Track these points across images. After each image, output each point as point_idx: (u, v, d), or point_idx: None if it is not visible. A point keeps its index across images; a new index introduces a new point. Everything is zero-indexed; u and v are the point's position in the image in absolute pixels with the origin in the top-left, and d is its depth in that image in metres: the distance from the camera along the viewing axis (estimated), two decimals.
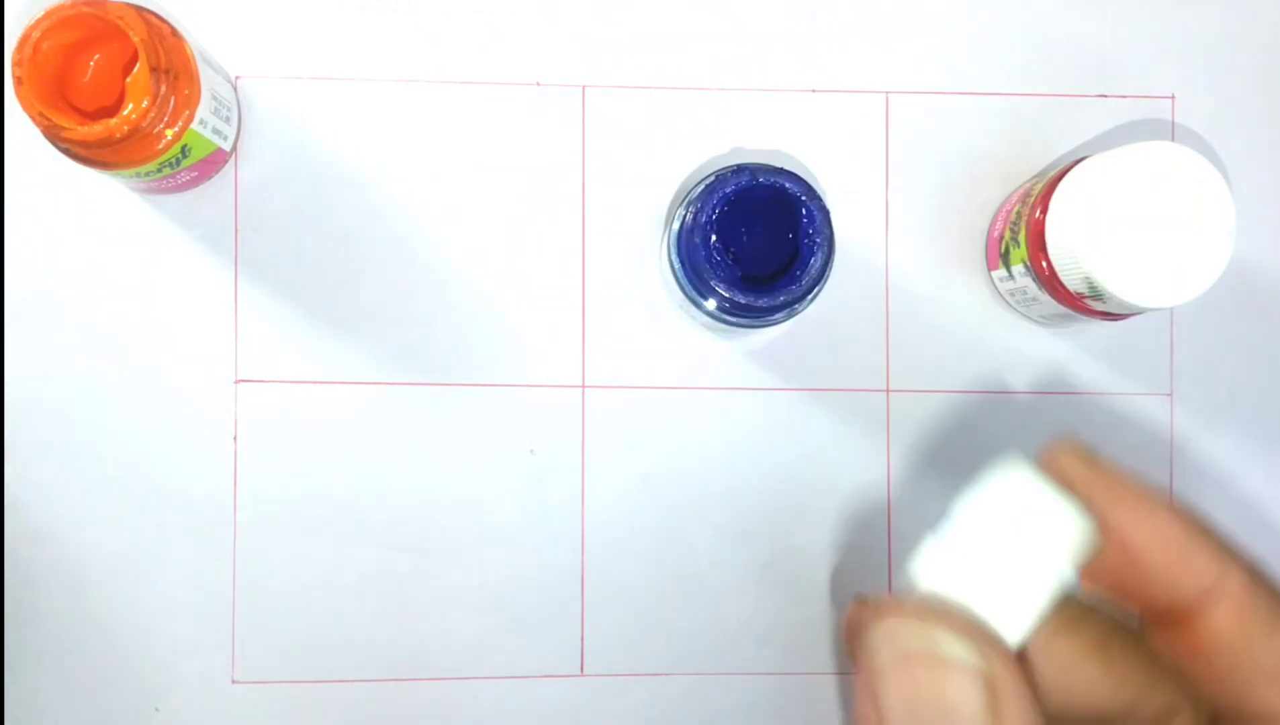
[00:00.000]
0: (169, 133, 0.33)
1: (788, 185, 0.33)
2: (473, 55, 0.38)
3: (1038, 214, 0.34)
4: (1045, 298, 0.35)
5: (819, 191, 0.34)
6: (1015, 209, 0.36)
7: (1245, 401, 0.39)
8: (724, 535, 0.38)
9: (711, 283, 0.33)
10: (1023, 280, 0.36)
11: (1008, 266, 0.36)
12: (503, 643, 0.38)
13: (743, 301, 0.33)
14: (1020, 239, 0.35)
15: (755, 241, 0.35)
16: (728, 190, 0.33)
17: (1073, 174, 0.34)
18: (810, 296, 0.34)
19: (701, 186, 0.34)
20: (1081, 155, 0.35)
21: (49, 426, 0.37)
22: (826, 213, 0.33)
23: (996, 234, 0.37)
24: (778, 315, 0.35)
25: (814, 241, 0.33)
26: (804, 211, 0.33)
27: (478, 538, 0.38)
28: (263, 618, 0.37)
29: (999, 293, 0.38)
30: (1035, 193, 0.35)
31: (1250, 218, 0.38)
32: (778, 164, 0.35)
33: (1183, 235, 0.33)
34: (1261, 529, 0.39)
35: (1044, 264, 0.34)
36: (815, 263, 0.33)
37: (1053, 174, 0.35)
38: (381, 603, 0.38)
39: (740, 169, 0.34)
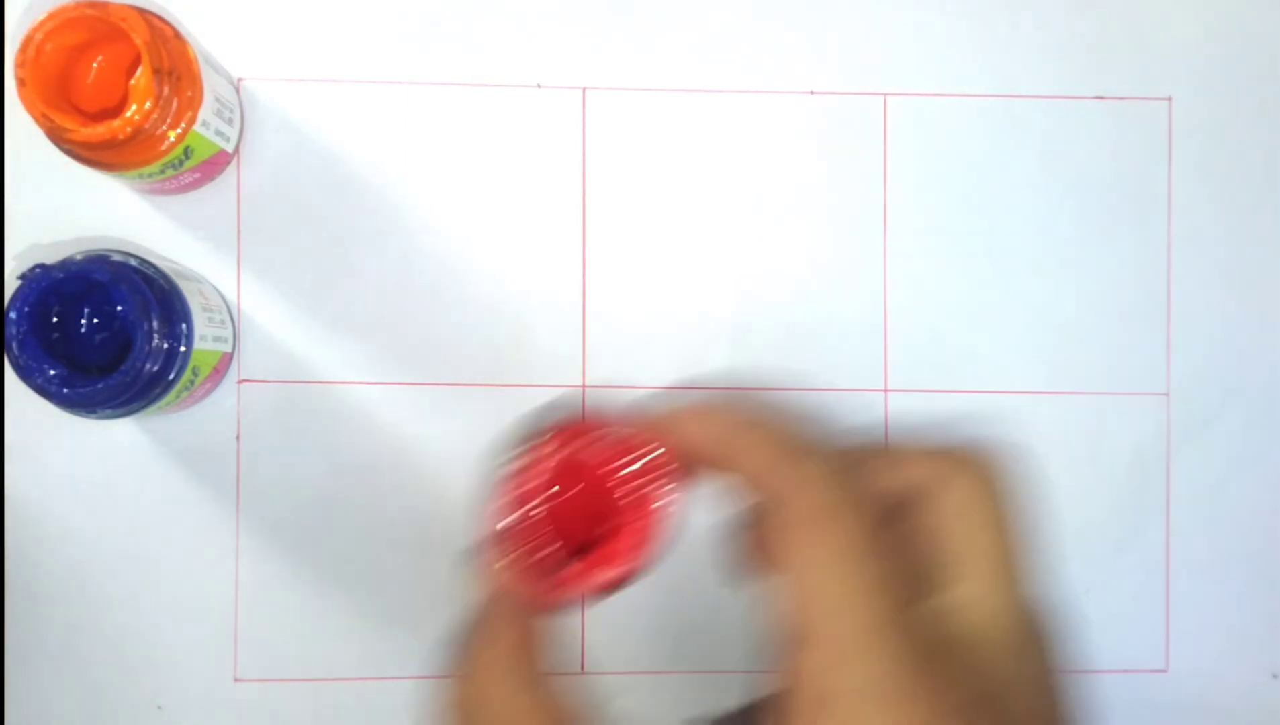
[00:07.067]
0: (172, 134, 0.33)
1: (95, 274, 0.32)
2: (473, 57, 0.38)
3: None
4: None
5: (138, 268, 0.32)
6: None
7: (1241, 402, 0.39)
8: (724, 535, 0.38)
9: (34, 388, 0.31)
10: None
11: None
12: None
13: (74, 397, 0.31)
14: None
15: (99, 329, 0.33)
16: (26, 296, 0.31)
17: None
18: (161, 371, 0.32)
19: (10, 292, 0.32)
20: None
21: (51, 426, 0.37)
22: (142, 290, 0.32)
23: None
24: (142, 398, 0.33)
25: (138, 321, 0.32)
26: (115, 294, 0.32)
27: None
28: (265, 616, 0.37)
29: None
30: None
31: (1246, 220, 0.39)
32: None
33: None
34: (1257, 528, 0.39)
35: None
36: (140, 341, 0.31)
37: None
38: (382, 601, 0.38)
39: (37, 270, 0.32)
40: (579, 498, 0.28)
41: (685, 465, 0.28)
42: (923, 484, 0.28)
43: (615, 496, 0.28)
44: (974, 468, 0.29)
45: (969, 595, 0.27)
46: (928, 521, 0.28)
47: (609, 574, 0.27)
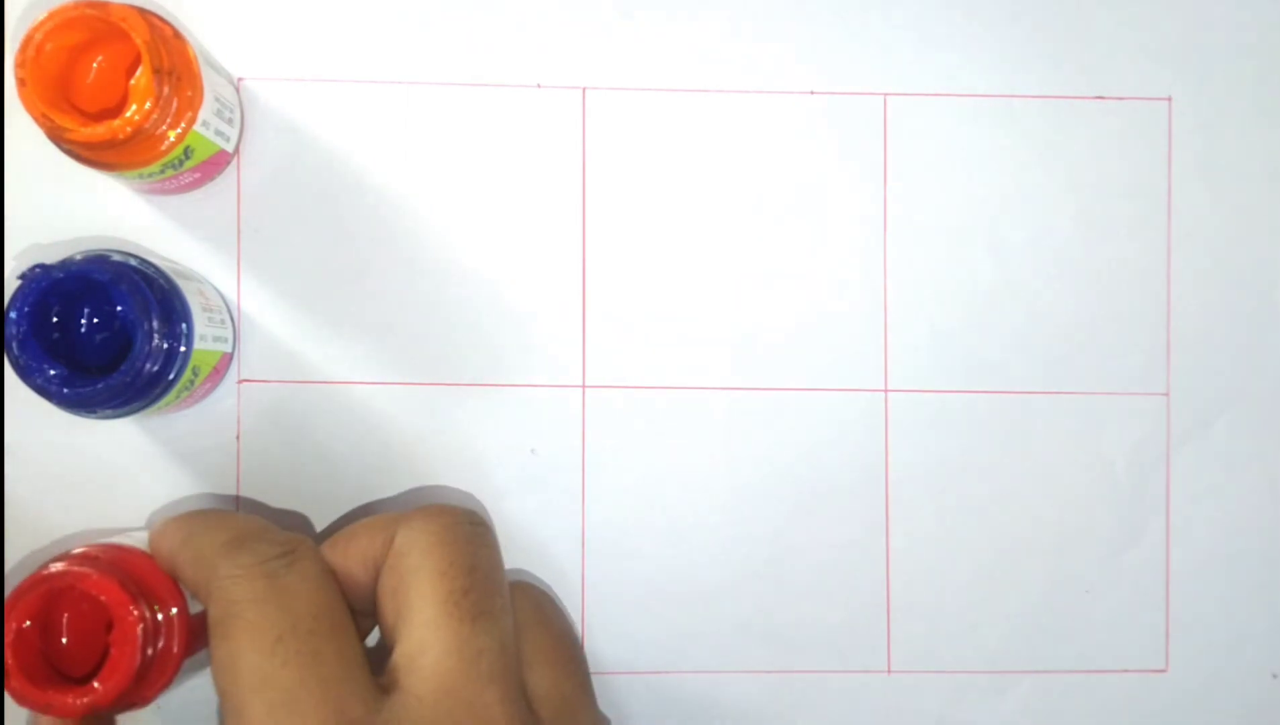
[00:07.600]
0: (172, 134, 0.33)
1: (95, 274, 0.32)
2: (473, 56, 0.38)
3: None
4: None
5: (138, 268, 0.32)
6: None
7: (1241, 403, 0.39)
8: (724, 535, 0.38)
9: (34, 388, 0.31)
10: None
11: None
12: None
13: (74, 397, 0.31)
14: None
15: (99, 329, 0.33)
16: (26, 296, 0.31)
17: None
18: (162, 371, 0.32)
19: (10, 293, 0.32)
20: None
21: (51, 425, 0.37)
22: (142, 290, 0.32)
23: None
24: (143, 398, 0.33)
25: (138, 321, 0.32)
26: (115, 294, 0.32)
27: None
28: None
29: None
30: None
31: (1246, 220, 0.39)
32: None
33: None
34: (1256, 529, 0.39)
35: None
36: (140, 341, 0.32)
37: None
38: None
39: (37, 270, 0.32)
40: (75, 624, 0.31)
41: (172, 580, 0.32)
42: (377, 554, 0.31)
43: (108, 619, 0.30)
44: (406, 527, 0.31)
45: (410, 650, 0.29)
46: (385, 585, 0.30)
47: (107, 689, 0.29)
